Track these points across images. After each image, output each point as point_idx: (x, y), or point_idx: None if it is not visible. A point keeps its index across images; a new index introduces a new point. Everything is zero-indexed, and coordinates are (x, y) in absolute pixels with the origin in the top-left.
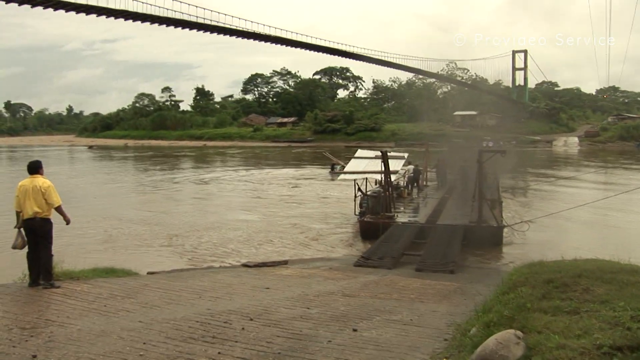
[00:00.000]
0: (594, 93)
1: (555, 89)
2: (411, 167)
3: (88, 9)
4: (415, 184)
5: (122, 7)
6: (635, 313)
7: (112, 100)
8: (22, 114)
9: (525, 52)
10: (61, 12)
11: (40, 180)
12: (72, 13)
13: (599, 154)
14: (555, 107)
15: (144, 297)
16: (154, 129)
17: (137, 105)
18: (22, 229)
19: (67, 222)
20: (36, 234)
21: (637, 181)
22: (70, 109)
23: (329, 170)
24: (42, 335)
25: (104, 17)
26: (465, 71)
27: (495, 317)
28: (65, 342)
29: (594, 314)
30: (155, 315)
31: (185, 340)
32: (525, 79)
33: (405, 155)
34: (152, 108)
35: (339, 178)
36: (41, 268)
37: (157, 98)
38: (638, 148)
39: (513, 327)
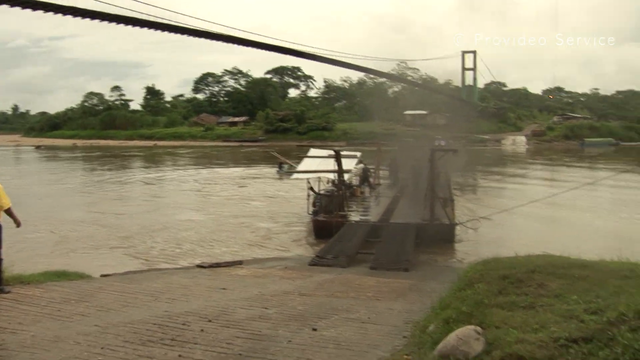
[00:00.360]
0: (540, 93)
1: (504, 89)
2: (361, 166)
3: (34, 5)
4: (366, 183)
5: (71, 4)
6: (588, 306)
7: (60, 99)
8: None
9: (474, 52)
10: (5, 7)
11: None
12: (18, 8)
13: (545, 152)
14: (503, 107)
15: (98, 300)
16: (104, 128)
17: (86, 104)
18: None
19: (18, 224)
20: None
21: (581, 178)
22: (15, 108)
23: (277, 169)
24: None
25: (51, 13)
26: (416, 71)
27: (453, 314)
28: (18, 350)
29: (549, 308)
30: (111, 319)
31: (144, 344)
32: (475, 79)
33: (358, 154)
34: (101, 107)
35: (291, 177)
36: None
37: (106, 97)
38: (582, 147)
39: (472, 322)
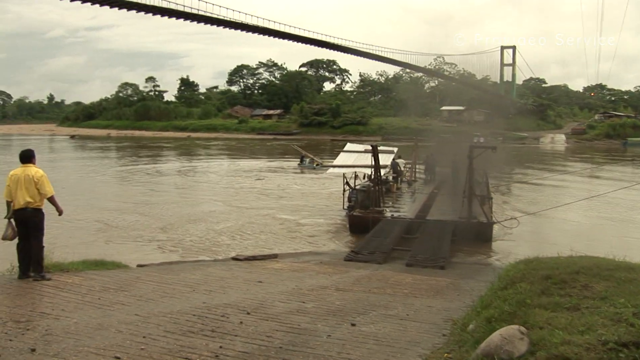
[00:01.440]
0: (581, 90)
1: (543, 85)
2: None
3: None
4: (398, 178)
5: None
6: (637, 310)
7: (94, 90)
8: (1, 102)
9: (513, 48)
10: None
11: (33, 170)
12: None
13: (586, 151)
14: (542, 104)
15: (137, 290)
16: (138, 119)
17: (121, 94)
18: (12, 220)
19: (60, 212)
20: (27, 224)
21: (624, 177)
22: (51, 98)
23: (298, 163)
24: (39, 329)
25: (88, 4)
26: (453, 66)
27: (496, 313)
28: (63, 336)
29: (595, 310)
30: (151, 309)
31: (184, 334)
32: (513, 75)
33: (395, 149)
34: (135, 98)
35: (327, 172)
36: (32, 259)
37: (141, 88)
38: (624, 146)
39: (515, 322)
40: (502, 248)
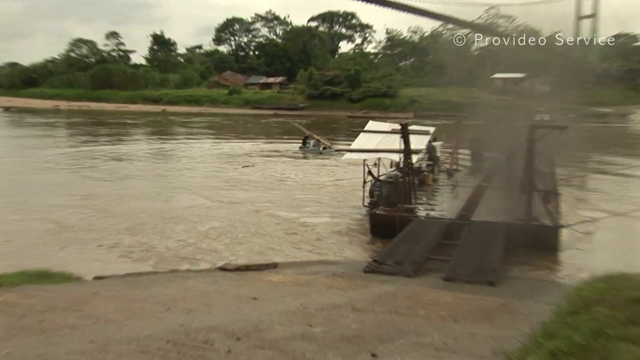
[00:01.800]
0: None
1: (635, 44)
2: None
3: None
4: (434, 167)
5: None
6: None
7: (36, 47)
8: None
9: None
10: None
11: None
12: None
13: None
14: (633, 69)
15: (93, 309)
16: (96, 87)
17: (73, 55)
18: None
19: None
20: None
21: None
22: None
23: (300, 146)
24: None
25: None
26: (511, 20)
27: (564, 345)
28: None
29: None
30: (111, 334)
31: None
32: (594, 30)
33: (431, 130)
34: (93, 60)
35: (344, 157)
36: None
37: (99, 46)
38: None
39: (590, 359)
40: (572, 260)
